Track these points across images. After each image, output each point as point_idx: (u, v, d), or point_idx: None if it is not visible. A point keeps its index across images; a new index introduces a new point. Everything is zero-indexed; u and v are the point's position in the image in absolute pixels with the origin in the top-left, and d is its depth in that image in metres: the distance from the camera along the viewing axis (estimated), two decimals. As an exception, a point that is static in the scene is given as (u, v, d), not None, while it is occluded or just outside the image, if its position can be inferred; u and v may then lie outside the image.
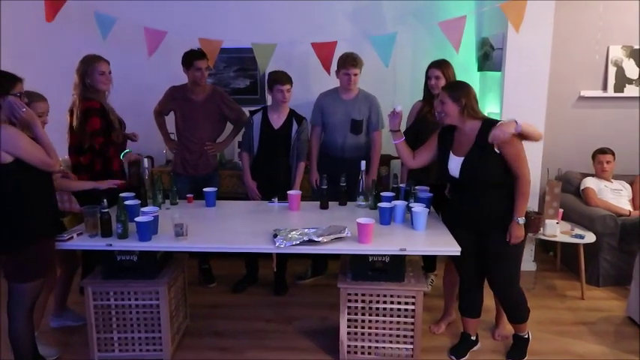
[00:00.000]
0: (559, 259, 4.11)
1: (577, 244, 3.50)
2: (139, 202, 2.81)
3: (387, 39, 3.73)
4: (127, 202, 2.68)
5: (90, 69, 3.03)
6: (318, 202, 3.11)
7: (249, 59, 4.13)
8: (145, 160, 3.13)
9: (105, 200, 2.49)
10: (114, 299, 2.66)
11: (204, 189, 3.16)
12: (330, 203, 3.12)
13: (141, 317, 2.68)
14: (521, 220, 2.47)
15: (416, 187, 2.93)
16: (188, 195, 3.24)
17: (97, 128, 3.00)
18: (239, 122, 3.72)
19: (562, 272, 4.02)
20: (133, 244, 2.48)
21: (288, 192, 3.09)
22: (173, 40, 3.76)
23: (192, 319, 3.16)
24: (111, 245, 2.46)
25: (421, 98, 3.35)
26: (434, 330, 3.07)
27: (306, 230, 2.51)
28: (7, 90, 2.19)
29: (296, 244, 2.39)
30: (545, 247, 4.32)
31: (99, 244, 2.47)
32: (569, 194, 4.12)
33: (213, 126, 3.66)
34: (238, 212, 3.08)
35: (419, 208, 2.64)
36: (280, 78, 3.37)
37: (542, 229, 3.48)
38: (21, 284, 2.31)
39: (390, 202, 2.82)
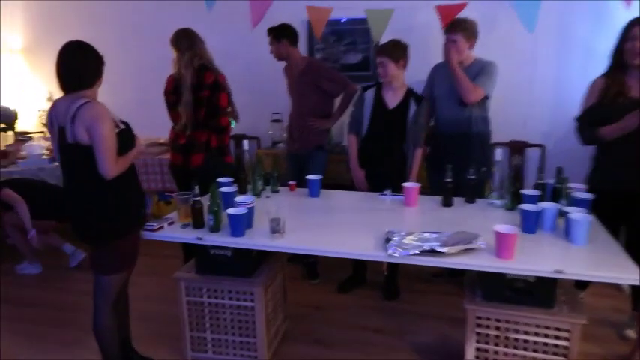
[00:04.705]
0: None
1: None
2: (236, 189, 2.52)
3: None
4: (222, 189, 2.40)
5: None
6: (440, 198, 2.58)
7: (362, 31, 3.68)
8: (245, 142, 2.84)
9: (197, 187, 2.22)
10: (207, 296, 2.42)
11: (307, 176, 2.79)
12: (456, 199, 2.57)
13: (235, 318, 2.42)
14: None
15: (570, 185, 2.28)
16: (290, 182, 2.91)
17: (225, 106, 2.91)
18: (345, 95, 3.35)
19: None
20: (224, 239, 2.18)
21: (404, 184, 2.60)
22: (279, 10, 3.41)
23: (292, 319, 2.84)
24: (201, 239, 2.18)
25: (602, 73, 2.47)
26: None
27: (426, 235, 2.02)
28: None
29: (414, 254, 1.92)
30: None
31: (188, 236, 2.22)
32: None
33: (313, 101, 3.36)
34: (345, 206, 2.68)
35: (579, 216, 2.00)
36: (380, 49, 2.93)
37: None
38: (106, 276, 2.15)
39: (534, 202, 2.21)
